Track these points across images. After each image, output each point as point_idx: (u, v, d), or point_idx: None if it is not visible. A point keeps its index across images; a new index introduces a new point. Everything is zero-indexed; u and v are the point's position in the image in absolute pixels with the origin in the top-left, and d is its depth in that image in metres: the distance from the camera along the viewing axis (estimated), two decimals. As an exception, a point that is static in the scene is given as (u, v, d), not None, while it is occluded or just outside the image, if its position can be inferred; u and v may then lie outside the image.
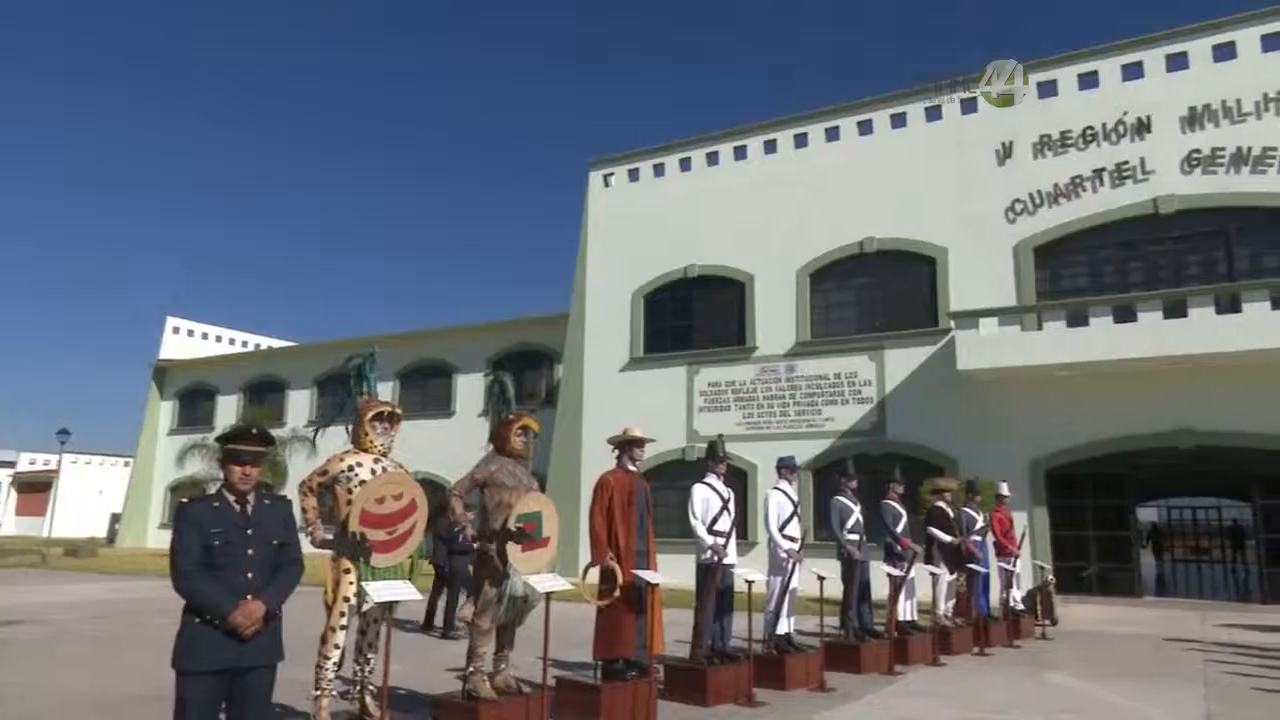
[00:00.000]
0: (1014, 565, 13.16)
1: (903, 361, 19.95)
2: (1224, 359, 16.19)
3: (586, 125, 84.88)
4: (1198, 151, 17.84)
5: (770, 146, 22.78)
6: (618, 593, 6.62)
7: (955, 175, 20.11)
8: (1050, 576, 15.56)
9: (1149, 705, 7.75)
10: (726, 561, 7.75)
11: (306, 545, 4.70)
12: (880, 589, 10.67)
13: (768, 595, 8.76)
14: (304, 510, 5.73)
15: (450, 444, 26.38)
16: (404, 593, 5.06)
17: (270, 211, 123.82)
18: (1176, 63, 18.44)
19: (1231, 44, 17.98)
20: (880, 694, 7.99)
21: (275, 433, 25.60)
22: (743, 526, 19.50)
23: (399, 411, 6.21)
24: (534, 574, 5.90)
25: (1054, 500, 18.25)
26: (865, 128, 21.56)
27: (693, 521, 7.82)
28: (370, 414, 6.05)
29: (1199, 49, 18.26)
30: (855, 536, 9.91)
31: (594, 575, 6.92)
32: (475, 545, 6.27)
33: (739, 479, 20.01)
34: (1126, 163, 18.47)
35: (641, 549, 6.94)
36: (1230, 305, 16.11)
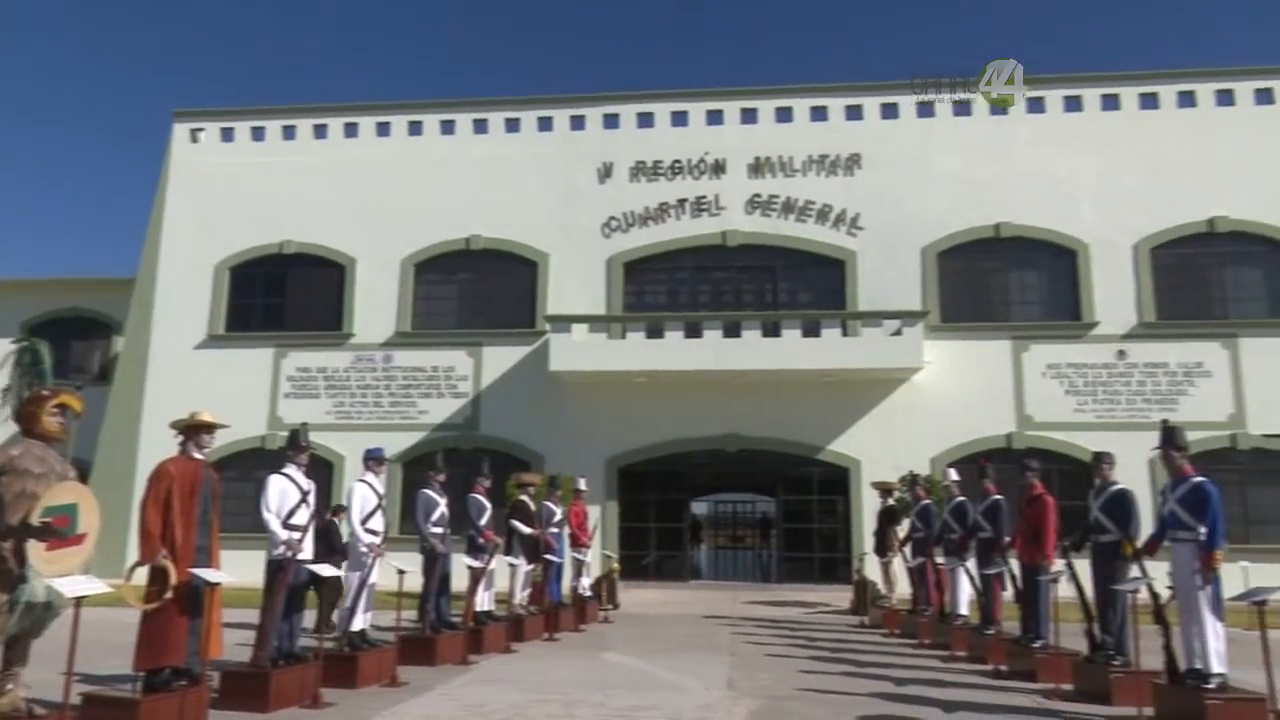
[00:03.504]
0: (586, 555, 14.20)
1: (499, 359, 20.52)
2: (765, 375, 18.97)
3: (176, 67, 74.79)
4: (758, 196, 20.74)
5: (383, 129, 22.14)
6: (169, 594, 5.96)
7: (561, 186, 21.20)
8: (616, 565, 17.03)
9: (685, 675, 8.81)
10: (301, 557, 7.37)
11: None
12: (460, 580, 10.86)
13: (345, 591, 8.48)
14: None
15: (-39, 422, 21.79)
16: None
17: None
18: (748, 117, 21.28)
19: (790, 109, 21.20)
20: (451, 684, 8.12)
21: None
22: (322, 520, 18.62)
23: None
24: (62, 576, 5.08)
25: (624, 495, 19.99)
26: (481, 126, 21.87)
27: (265, 514, 7.32)
28: None
29: (766, 108, 21.25)
30: (440, 530, 9.97)
31: (142, 575, 6.16)
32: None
33: (324, 470, 19.13)
34: (704, 197, 20.88)
35: (202, 545, 6.33)
36: (773, 330, 18.94)
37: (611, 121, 21.58)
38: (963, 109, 20.66)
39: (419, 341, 20.90)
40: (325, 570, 8.08)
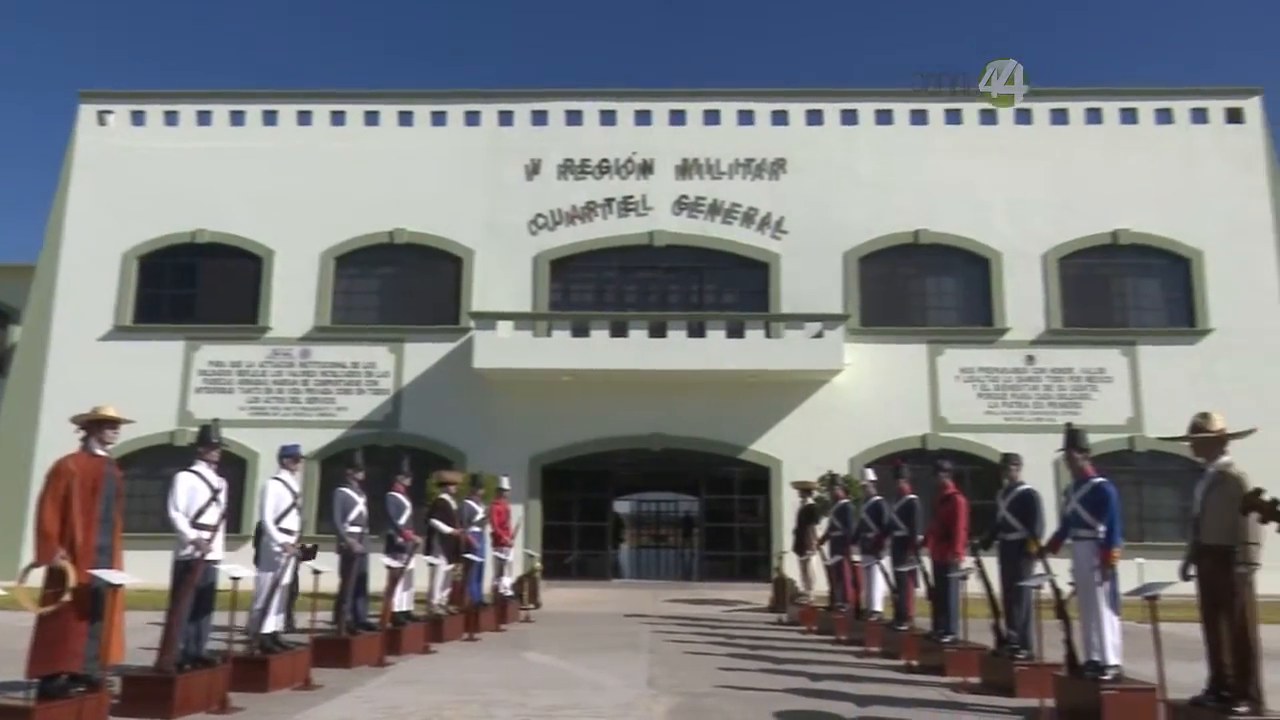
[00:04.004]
0: (508, 554, 14.10)
1: (422, 355, 20.20)
2: (690, 376, 19.13)
3: (83, 39, 70.45)
4: (685, 197, 20.89)
5: (305, 118, 21.57)
6: (67, 596, 5.70)
7: (488, 182, 20.98)
8: (538, 564, 16.95)
9: (605, 674, 8.83)
10: (210, 557, 7.13)
11: None
12: (378, 581, 10.67)
13: (256, 592, 8.24)
14: None
15: None
16: None
17: None
18: (677, 118, 21.42)
19: (718, 112, 21.41)
20: (367, 686, 7.96)
21: None
22: (237, 519, 18.11)
23: None
24: (-51, 578, 4.82)
25: (547, 494, 19.91)
26: (406, 118, 21.47)
27: (173, 513, 7.07)
28: None
29: (694, 110, 21.42)
30: (357, 529, 9.78)
31: (38, 576, 5.88)
32: None
33: (237, 468, 18.55)
34: (631, 197, 20.94)
35: (104, 545, 6.08)
36: (698, 330, 19.10)
37: (540, 118, 21.45)
38: (884, 118, 21.17)
39: (339, 336, 20.43)
40: (238, 570, 7.85)
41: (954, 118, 21.04)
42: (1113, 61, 69.00)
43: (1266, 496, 5.27)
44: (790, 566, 15.80)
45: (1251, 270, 20.02)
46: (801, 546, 14.85)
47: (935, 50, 70.93)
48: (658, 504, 32.80)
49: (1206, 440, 6.21)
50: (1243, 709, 5.57)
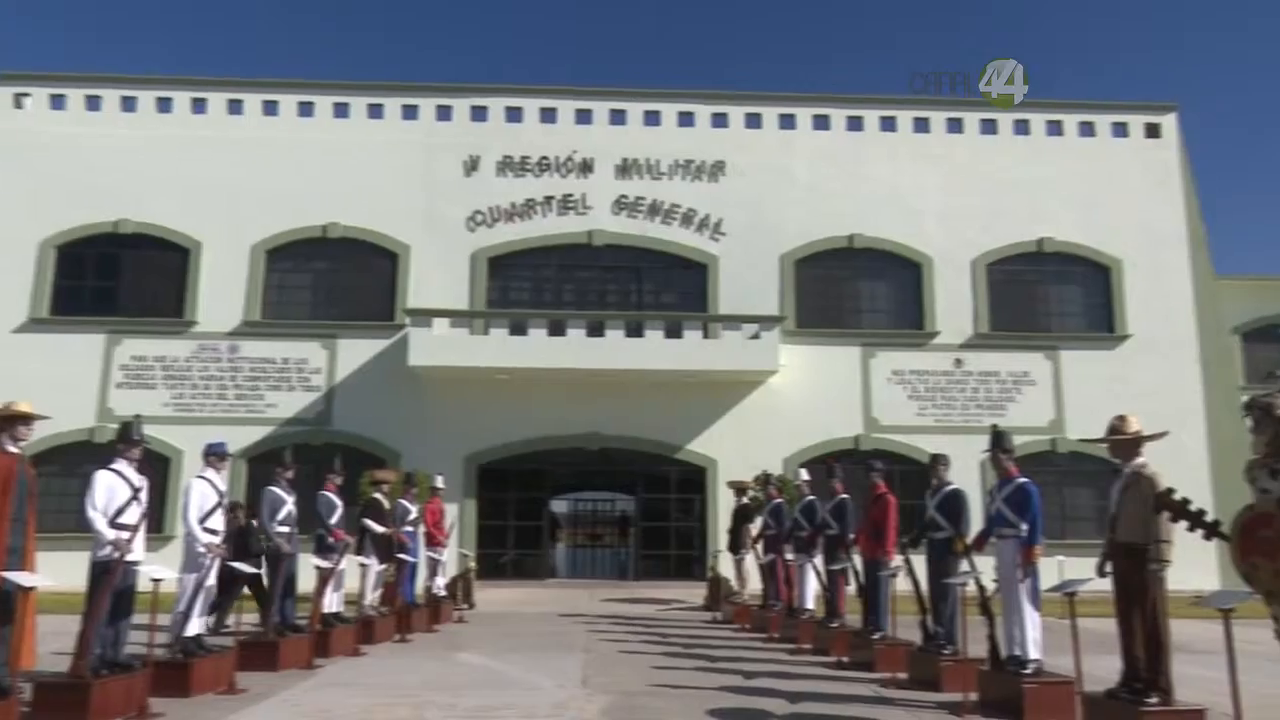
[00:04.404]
0: (441, 554, 13.94)
1: (356, 352, 19.83)
2: (628, 375, 19.15)
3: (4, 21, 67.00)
4: (625, 197, 20.92)
5: (235, 107, 20.99)
6: (-25, 600, 5.46)
7: (425, 177, 20.70)
8: (472, 564, 16.80)
9: (538, 673, 8.79)
10: (130, 558, 6.90)
11: None
12: (306, 581, 10.45)
13: (179, 594, 8.00)
14: None
15: None
16: None
17: None
18: (617, 118, 21.43)
19: (658, 113, 21.48)
20: (294, 690, 7.79)
21: None
22: (160, 519, 17.59)
23: None
24: None
25: (483, 493, 19.74)
26: (341, 110, 21.07)
27: (90, 513, 6.82)
28: None
29: (635, 110, 21.46)
30: (286, 529, 9.57)
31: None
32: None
33: (160, 466, 18.00)
34: (571, 195, 20.88)
35: (15, 546, 5.84)
36: (636, 330, 19.14)
37: (479, 114, 21.24)
38: (821, 123, 21.50)
39: (269, 332, 19.93)
40: (159, 572, 7.62)
41: (889, 125, 21.49)
42: (1050, 74, 71.20)
43: (1177, 496, 5.50)
44: (725, 565, 15.94)
45: (1166, 280, 20.88)
46: (736, 545, 15.00)
47: (909, 55, 72.31)
48: (594, 503, 32.72)
49: (1122, 442, 6.44)
50: (1153, 700, 5.81)
